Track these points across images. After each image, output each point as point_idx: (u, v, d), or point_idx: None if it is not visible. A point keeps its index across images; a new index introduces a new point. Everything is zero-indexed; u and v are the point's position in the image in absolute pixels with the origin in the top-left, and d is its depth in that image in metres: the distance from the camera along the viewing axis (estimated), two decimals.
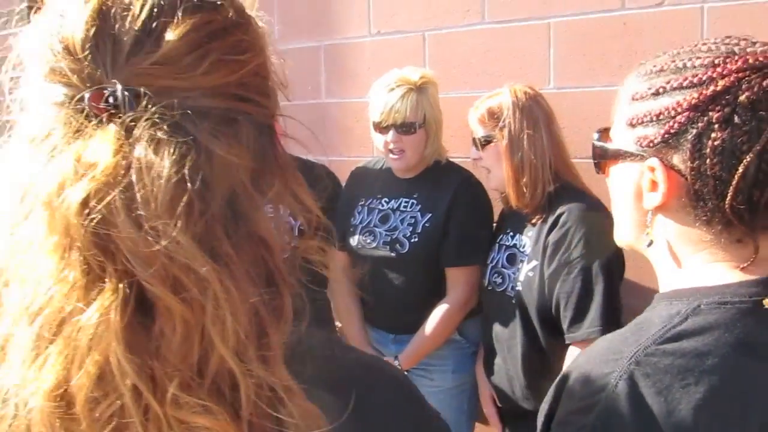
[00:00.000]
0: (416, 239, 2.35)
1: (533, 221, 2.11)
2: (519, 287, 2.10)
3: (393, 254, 2.37)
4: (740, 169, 0.79)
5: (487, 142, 2.14)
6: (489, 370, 2.27)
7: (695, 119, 0.81)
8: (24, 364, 0.51)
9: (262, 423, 0.53)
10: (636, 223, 0.91)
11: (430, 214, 2.36)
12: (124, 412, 0.50)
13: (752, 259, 0.84)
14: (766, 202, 0.81)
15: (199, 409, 0.51)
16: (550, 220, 2.04)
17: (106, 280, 0.51)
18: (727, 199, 0.81)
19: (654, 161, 0.84)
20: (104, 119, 0.55)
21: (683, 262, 0.88)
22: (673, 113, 0.83)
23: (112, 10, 0.57)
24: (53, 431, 0.50)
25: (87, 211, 0.51)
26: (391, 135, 2.29)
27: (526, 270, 2.09)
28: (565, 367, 0.89)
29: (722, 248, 0.85)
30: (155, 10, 0.57)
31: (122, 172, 0.52)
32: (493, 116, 2.10)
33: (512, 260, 2.18)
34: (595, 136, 0.94)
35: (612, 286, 1.94)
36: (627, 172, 0.89)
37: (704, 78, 0.82)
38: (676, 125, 0.83)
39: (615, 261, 1.98)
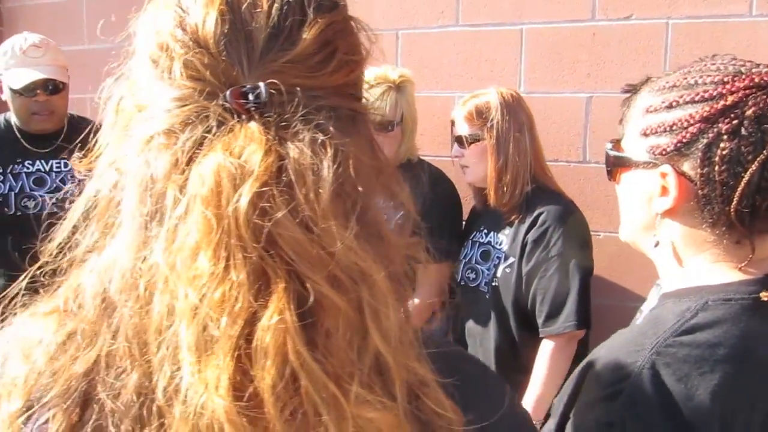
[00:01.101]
0: None
1: (510, 220, 2.18)
2: (495, 283, 2.17)
3: None
4: (745, 176, 0.88)
5: (474, 140, 2.18)
6: None
7: (706, 130, 0.89)
8: (196, 364, 0.49)
9: (416, 415, 0.54)
10: (644, 225, 0.99)
11: (402, 211, 2.39)
12: (310, 411, 0.49)
13: (749, 259, 0.92)
14: (766, 207, 0.90)
15: (378, 406, 0.50)
16: (529, 219, 2.11)
17: (274, 280, 0.50)
18: (733, 203, 0.89)
19: (666, 168, 0.92)
20: (244, 117, 0.54)
21: (686, 262, 0.96)
22: (685, 124, 0.91)
23: (242, 6, 0.57)
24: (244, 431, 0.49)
25: (255, 212, 0.50)
26: None
27: (503, 267, 2.16)
28: (582, 363, 0.94)
29: (724, 249, 0.93)
30: (285, 7, 0.57)
31: (279, 172, 0.52)
32: (481, 115, 2.15)
33: (486, 256, 2.24)
34: (608, 145, 1.03)
35: (586, 284, 2.05)
36: (638, 178, 0.97)
37: (715, 93, 0.90)
38: (688, 135, 0.90)
39: (589, 259, 2.09)
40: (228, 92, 0.54)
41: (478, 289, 2.24)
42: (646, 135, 0.95)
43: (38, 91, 2.44)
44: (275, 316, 0.49)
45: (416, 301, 2.37)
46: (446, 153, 2.66)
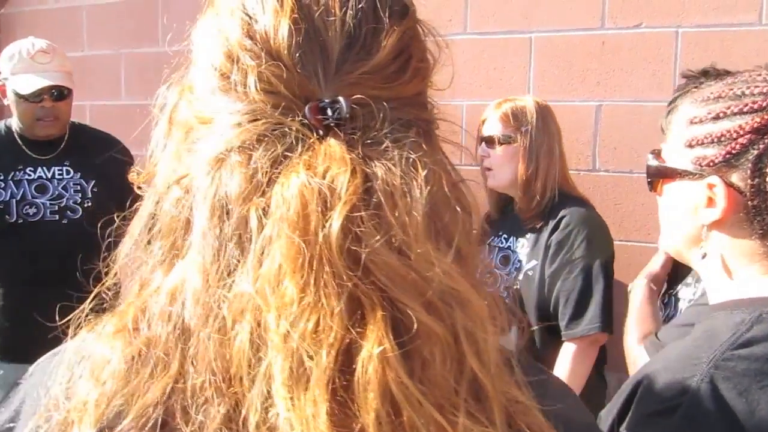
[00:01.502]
0: None
1: (531, 226, 2.17)
2: (516, 286, 2.17)
3: None
4: None
5: (506, 141, 2.16)
6: None
7: (756, 141, 0.89)
8: (292, 398, 0.46)
9: None
10: (690, 237, 0.98)
11: None
12: None
13: None
14: None
15: None
16: (552, 223, 2.12)
17: (369, 308, 0.47)
18: None
19: (714, 179, 0.91)
20: (322, 133, 0.52)
21: (735, 274, 0.95)
22: (734, 135, 0.90)
23: (315, 14, 0.54)
24: None
25: (347, 237, 0.47)
26: None
27: (525, 269, 2.16)
28: (632, 373, 0.93)
29: None
30: (359, 14, 0.54)
31: (367, 194, 0.49)
32: (517, 118, 2.14)
33: (506, 261, 2.24)
34: (650, 156, 1.02)
35: (610, 286, 2.05)
36: (683, 189, 0.96)
37: (764, 104, 0.90)
38: (737, 146, 0.90)
39: (612, 262, 2.10)
40: (307, 107, 0.52)
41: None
42: (691, 146, 0.94)
43: (45, 97, 2.41)
44: (376, 347, 0.46)
45: None
46: (455, 161, 2.64)
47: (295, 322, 0.46)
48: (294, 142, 0.51)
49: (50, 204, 2.51)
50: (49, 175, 2.56)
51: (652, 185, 1.03)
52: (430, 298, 0.48)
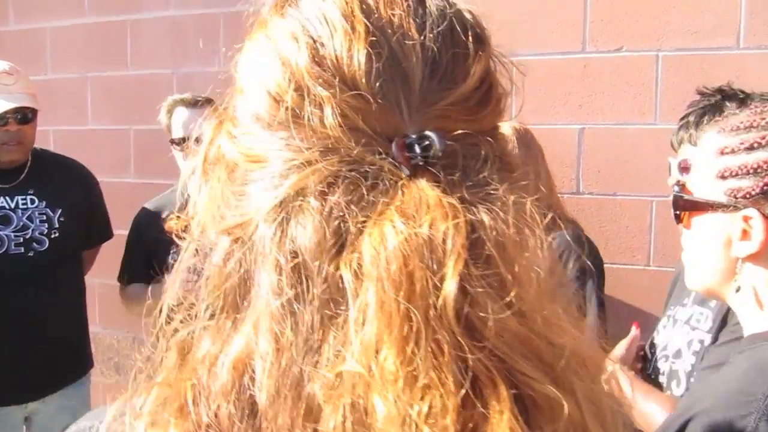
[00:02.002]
0: None
1: None
2: None
3: None
4: None
5: None
6: None
7: None
8: None
9: None
10: (722, 271, 0.95)
11: None
12: None
13: None
14: None
15: None
16: None
17: (490, 382, 0.40)
18: None
19: (752, 211, 0.89)
20: (410, 173, 0.45)
21: None
22: None
23: (393, 38, 0.47)
24: None
25: (465, 299, 0.40)
26: None
27: None
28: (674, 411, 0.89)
29: None
30: (440, 38, 0.48)
31: (475, 246, 0.42)
32: None
33: None
34: (676, 188, 0.99)
35: (603, 307, 2.02)
36: (714, 222, 0.94)
37: None
38: None
39: (603, 283, 2.08)
40: (393, 144, 0.45)
41: None
42: (724, 177, 0.92)
43: (9, 120, 2.28)
44: (506, 430, 0.39)
45: None
46: None
47: (405, 403, 0.39)
48: (378, 183, 0.44)
49: (14, 236, 2.37)
50: (13, 205, 2.42)
51: (679, 218, 1.00)
52: (558, 368, 0.42)
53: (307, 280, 0.43)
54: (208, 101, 2.46)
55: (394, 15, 0.47)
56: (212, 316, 0.48)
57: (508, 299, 0.42)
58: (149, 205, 2.59)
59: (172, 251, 2.48)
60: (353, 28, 0.46)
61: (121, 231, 2.70)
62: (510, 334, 0.41)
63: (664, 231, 2.41)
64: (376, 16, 0.47)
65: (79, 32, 3.32)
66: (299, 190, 0.45)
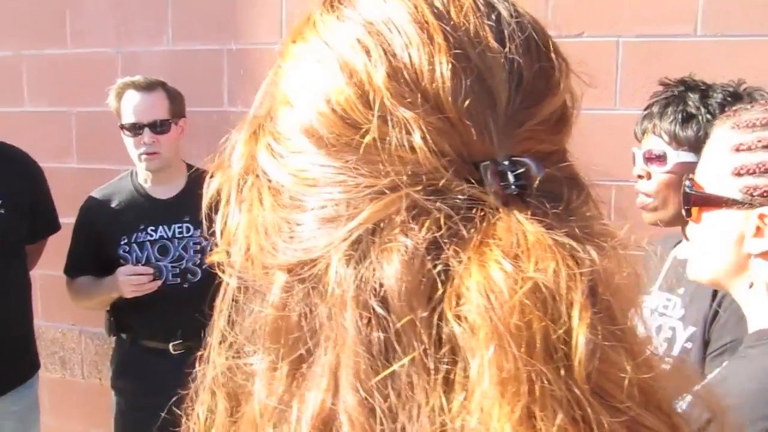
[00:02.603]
0: None
1: None
2: None
3: None
4: None
5: None
6: None
7: None
8: None
9: None
10: (733, 266, 0.95)
11: None
12: None
13: None
14: None
15: None
16: None
17: None
18: None
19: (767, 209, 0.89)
20: (501, 203, 0.40)
21: None
22: None
23: (474, 50, 0.41)
24: None
25: (595, 354, 0.35)
26: None
27: None
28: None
29: None
30: (522, 49, 0.42)
31: (591, 292, 0.37)
32: None
33: None
34: (687, 183, 0.98)
35: None
36: (727, 218, 0.93)
37: None
38: None
39: None
40: (488, 171, 0.40)
41: None
42: (740, 174, 0.92)
43: None
44: None
45: None
46: None
47: None
48: (470, 216, 0.39)
49: None
50: None
51: (689, 212, 0.99)
52: (672, 413, 0.38)
53: (397, 330, 0.37)
54: (161, 84, 2.34)
55: (468, 23, 0.42)
56: (275, 367, 0.42)
57: (629, 349, 0.37)
58: (97, 194, 2.45)
59: (122, 242, 2.37)
60: (431, 38, 0.41)
61: (63, 220, 2.55)
62: (638, 389, 0.37)
63: (623, 217, 2.45)
64: (451, 23, 0.42)
65: (14, 7, 3.09)
66: (376, 223, 0.39)
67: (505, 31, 0.43)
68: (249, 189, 0.47)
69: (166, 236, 2.39)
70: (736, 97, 1.68)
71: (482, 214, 0.39)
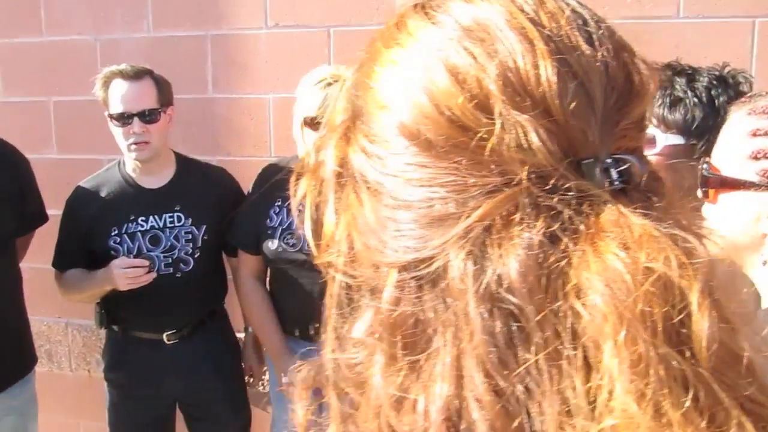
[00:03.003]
0: None
1: None
2: None
3: None
4: None
5: None
6: None
7: None
8: None
9: None
10: (748, 245, 1.00)
11: None
12: None
13: None
14: None
15: None
16: None
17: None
18: None
19: None
20: (611, 198, 0.42)
21: None
22: None
23: (571, 54, 0.43)
24: None
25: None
26: None
27: None
28: None
29: None
30: (610, 51, 0.44)
31: (691, 272, 0.39)
32: None
33: None
34: (705, 166, 1.02)
35: None
36: (744, 199, 0.98)
37: None
38: None
39: None
40: (596, 168, 0.42)
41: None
42: (757, 158, 0.96)
43: None
44: None
45: None
46: None
47: None
48: (580, 210, 0.41)
49: None
50: None
51: (706, 194, 1.04)
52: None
53: (520, 321, 0.40)
54: (149, 72, 2.30)
55: (561, 28, 0.44)
56: (392, 365, 0.43)
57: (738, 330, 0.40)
58: (85, 184, 2.42)
59: (112, 233, 2.35)
60: (531, 43, 0.43)
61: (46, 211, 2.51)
62: (746, 368, 0.39)
63: None
64: (547, 28, 0.44)
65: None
66: (491, 220, 0.41)
67: (594, 36, 0.45)
68: (344, 190, 0.48)
69: (157, 226, 2.37)
70: (721, 80, 1.73)
71: (590, 208, 0.41)
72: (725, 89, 1.63)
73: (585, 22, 0.46)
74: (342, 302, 0.48)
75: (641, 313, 0.37)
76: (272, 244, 2.31)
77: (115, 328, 2.46)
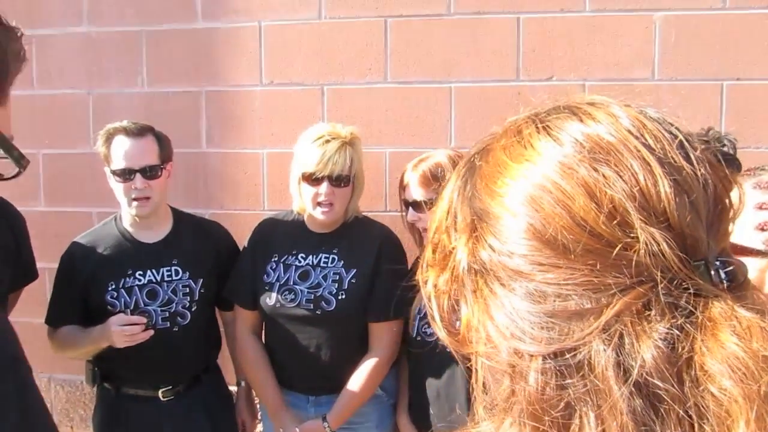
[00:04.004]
0: (343, 296, 2.31)
1: None
2: None
3: (318, 312, 2.30)
4: None
5: (434, 204, 2.19)
6: (422, 420, 2.31)
7: None
8: None
9: None
10: None
11: (355, 270, 2.34)
12: None
13: None
14: None
15: None
16: None
17: None
18: None
19: None
20: (717, 293, 0.49)
21: None
22: None
23: (680, 173, 0.50)
24: None
25: None
26: (324, 187, 2.24)
27: None
28: None
29: None
30: (706, 167, 0.52)
31: None
32: (436, 178, 2.18)
33: None
34: None
35: None
36: (751, 264, 1.09)
37: None
38: None
39: None
40: (708, 270, 0.49)
41: (437, 343, 2.26)
42: (762, 229, 1.07)
43: None
44: None
45: (376, 359, 2.33)
46: (378, 208, 2.66)
47: None
48: (697, 305, 0.48)
49: None
50: None
51: None
52: None
53: (658, 401, 0.46)
54: (150, 129, 2.34)
55: (665, 149, 0.52)
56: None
57: None
58: (81, 239, 2.41)
59: (109, 287, 2.34)
60: (647, 163, 0.50)
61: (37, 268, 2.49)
62: None
63: None
64: (656, 150, 0.51)
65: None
66: (622, 313, 0.48)
67: (691, 156, 0.53)
68: (477, 284, 0.54)
69: (154, 280, 2.37)
70: (706, 144, 1.87)
71: (705, 303, 0.49)
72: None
73: (681, 144, 0.53)
74: (488, 385, 0.54)
75: (765, 395, 0.45)
76: (270, 300, 2.33)
77: (107, 385, 2.43)
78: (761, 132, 2.52)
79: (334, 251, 2.36)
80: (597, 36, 2.55)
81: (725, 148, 1.80)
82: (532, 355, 0.50)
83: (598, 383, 0.48)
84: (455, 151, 2.28)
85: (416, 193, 2.23)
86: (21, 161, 0.78)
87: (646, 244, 0.49)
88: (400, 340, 2.38)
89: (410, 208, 2.25)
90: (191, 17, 2.81)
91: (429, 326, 2.28)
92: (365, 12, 2.66)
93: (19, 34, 0.68)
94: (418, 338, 2.28)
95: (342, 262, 2.35)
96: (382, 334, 2.36)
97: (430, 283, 0.57)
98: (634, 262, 0.49)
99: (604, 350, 0.48)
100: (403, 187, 2.27)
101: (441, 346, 2.26)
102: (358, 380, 2.31)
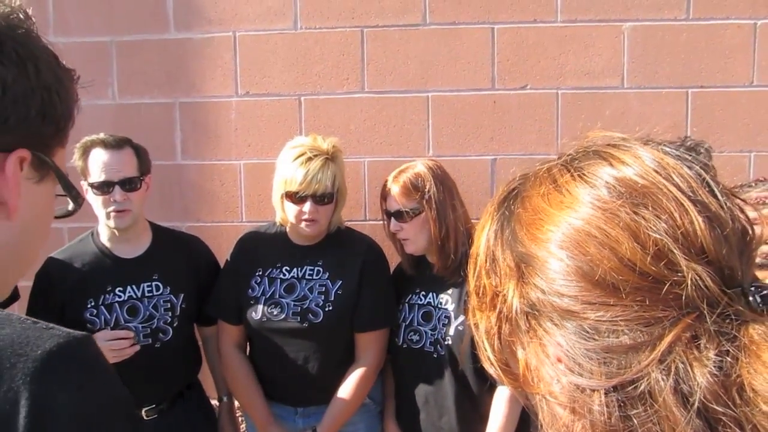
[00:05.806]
0: (330, 308, 2.30)
1: (452, 281, 2.25)
2: (448, 341, 2.22)
3: (305, 325, 2.29)
4: None
5: (415, 213, 2.22)
6: (411, 426, 2.32)
7: None
8: None
9: None
10: None
11: (340, 281, 2.34)
12: None
13: None
14: None
15: None
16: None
17: None
18: None
19: None
20: (755, 317, 0.52)
21: None
22: None
23: (710, 208, 0.54)
24: None
25: None
26: (308, 205, 2.23)
27: (455, 325, 2.22)
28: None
29: None
30: (734, 206, 0.55)
31: None
32: (417, 188, 2.21)
33: (428, 318, 2.29)
34: None
35: None
36: None
37: None
38: None
39: None
40: (748, 296, 0.53)
41: (423, 350, 2.28)
42: (760, 267, 1.13)
43: None
44: None
45: (364, 368, 2.33)
46: (358, 217, 2.67)
47: None
48: (739, 329, 0.52)
49: None
50: None
51: None
52: None
53: (717, 423, 0.49)
54: (128, 142, 2.30)
55: (693, 188, 0.55)
56: None
57: None
58: (58, 255, 2.34)
59: (88, 305, 2.28)
60: (681, 203, 0.54)
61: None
62: None
63: None
64: (685, 190, 0.55)
65: None
66: (674, 344, 0.51)
67: (716, 191, 0.57)
68: (530, 324, 0.57)
69: (135, 296, 2.32)
70: (694, 153, 1.95)
71: (745, 327, 0.52)
72: None
73: (704, 180, 0.57)
74: (554, 419, 0.56)
75: None
76: (256, 314, 2.31)
77: None
78: (724, 136, 2.64)
79: (319, 263, 2.36)
80: (569, 46, 2.63)
81: (701, 156, 1.89)
82: (593, 390, 0.53)
83: (662, 410, 0.51)
84: (434, 161, 2.31)
85: (398, 203, 2.25)
86: (78, 200, 0.77)
87: (692, 280, 0.52)
88: (386, 348, 2.39)
89: (392, 218, 2.27)
90: (163, 27, 2.77)
91: (415, 333, 2.30)
92: (341, 22, 2.67)
93: (76, 77, 0.69)
94: (405, 346, 2.30)
95: (327, 273, 2.34)
96: (369, 344, 2.36)
97: (482, 327, 0.59)
98: (683, 297, 0.52)
99: (664, 379, 0.51)
100: (384, 198, 2.29)
101: (427, 353, 2.29)
102: (347, 390, 2.31)
